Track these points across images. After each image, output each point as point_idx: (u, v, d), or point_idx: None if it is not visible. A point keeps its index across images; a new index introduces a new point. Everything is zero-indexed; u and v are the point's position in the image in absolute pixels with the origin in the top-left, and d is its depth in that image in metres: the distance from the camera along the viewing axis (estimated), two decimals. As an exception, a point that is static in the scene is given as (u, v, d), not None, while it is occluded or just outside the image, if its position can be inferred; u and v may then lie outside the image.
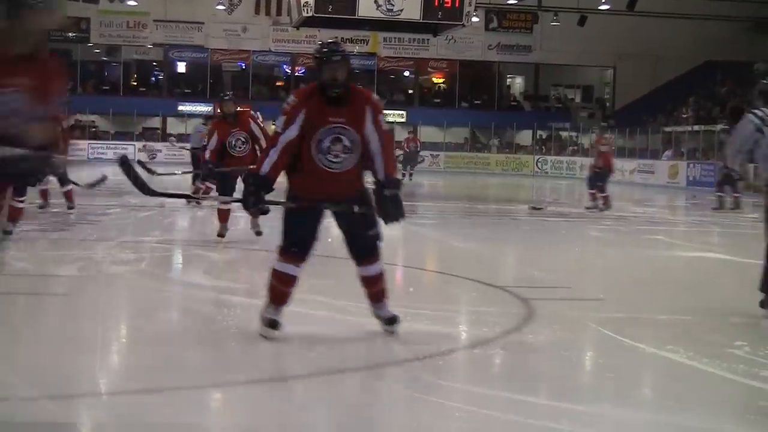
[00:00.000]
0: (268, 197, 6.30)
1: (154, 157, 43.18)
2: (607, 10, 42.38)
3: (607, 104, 54.08)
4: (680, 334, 6.83)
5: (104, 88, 50.63)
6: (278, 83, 53.22)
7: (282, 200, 6.35)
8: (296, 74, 52.14)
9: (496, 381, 5.60)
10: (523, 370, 5.79)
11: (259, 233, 12.51)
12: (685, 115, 42.51)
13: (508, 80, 55.65)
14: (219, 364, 5.92)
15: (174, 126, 49.48)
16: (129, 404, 4.92)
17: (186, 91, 51.11)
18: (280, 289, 6.38)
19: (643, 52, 48.18)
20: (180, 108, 49.49)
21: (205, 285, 8.75)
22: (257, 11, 48.79)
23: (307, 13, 22.38)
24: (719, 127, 36.75)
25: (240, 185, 9.62)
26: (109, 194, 18.70)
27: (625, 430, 4.68)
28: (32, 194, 13.34)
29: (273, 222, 14.64)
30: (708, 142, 37.27)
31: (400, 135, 39.92)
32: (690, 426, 4.73)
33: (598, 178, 19.61)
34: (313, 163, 6.22)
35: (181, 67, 52.42)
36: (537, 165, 45.69)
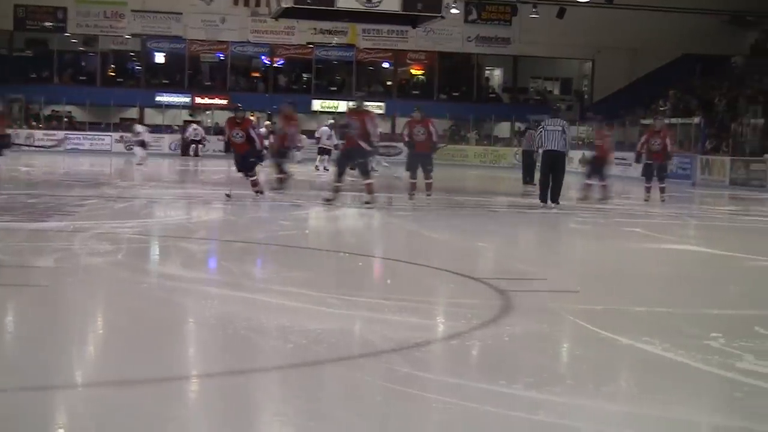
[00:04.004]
0: None
1: (131, 148, 43.05)
2: (586, 2, 42.50)
3: (586, 97, 54.21)
4: (656, 326, 6.85)
5: (81, 78, 50.47)
6: (256, 74, 53.16)
7: None
8: (274, 65, 52.10)
9: (474, 372, 5.60)
10: (501, 362, 5.80)
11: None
12: (662, 108, 42.65)
13: (487, 72, 55.71)
14: (196, 355, 5.91)
15: (152, 117, 49.36)
16: (106, 396, 4.90)
17: (164, 81, 51.01)
18: None
19: (621, 44, 48.34)
20: (158, 99, 49.40)
21: (182, 276, 8.72)
22: (236, 2, 48.76)
23: (286, 3, 22.34)
24: (696, 120, 36.93)
25: None
26: (86, 185, 18.61)
27: (601, 422, 4.69)
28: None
29: (252, 214, 14.62)
30: (685, 135, 37.42)
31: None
32: (665, 417, 4.74)
33: (594, 170, 20.75)
34: None
35: (159, 58, 52.29)
36: (515, 157, 45.73)
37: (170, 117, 50.20)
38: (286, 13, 24.42)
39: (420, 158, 19.59)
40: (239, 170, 17.70)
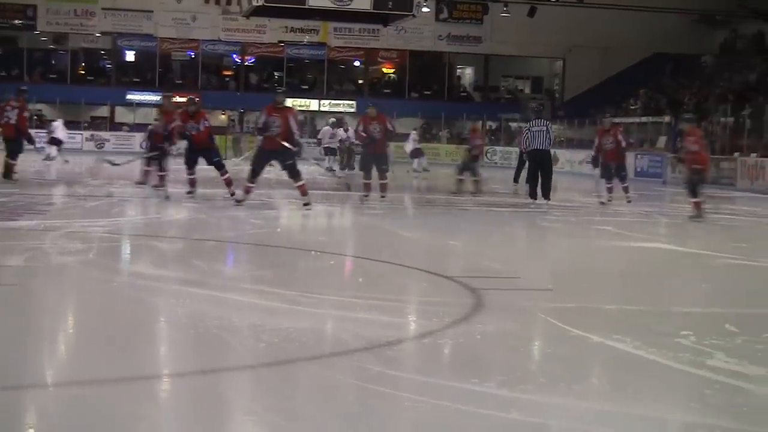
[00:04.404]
0: None
1: (102, 146, 42.90)
2: (557, 1, 42.60)
3: (557, 95, 54.36)
4: (627, 324, 6.88)
5: (51, 76, 50.16)
6: (227, 72, 53.05)
7: None
8: (246, 64, 52.00)
9: (446, 371, 5.60)
10: (472, 360, 5.80)
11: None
12: (633, 107, 42.83)
13: (458, 71, 55.78)
14: (167, 354, 5.89)
15: (123, 115, 49.16)
16: (76, 395, 4.87)
17: (135, 80, 50.80)
18: None
19: (592, 43, 48.51)
20: (129, 97, 49.21)
21: (153, 275, 8.69)
22: (207, 0, 48.59)
23: (257, 2, 22.30)
24: (666, 118, 37.08)
25: None
26: (56, 184, 18.51)
27: (573, 419, 4.70)
28: None
29: (223, 212, 14.58)
30: (656, 133, 37.58)
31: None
32: (636, 415, 4.76)
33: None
34: None
35: (130, 56, 52.10)
36: (486, 156, 45.79)
37: (141, 115, 50.00)
38: (258, 12, 24.39)
39: (375, 158, 18.66)
40: (190, 167, 16.91)
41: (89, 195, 17.37)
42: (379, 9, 22.16)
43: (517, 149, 29.22)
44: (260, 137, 16.68)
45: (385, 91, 52.58)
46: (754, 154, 29.92)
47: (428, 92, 52.80)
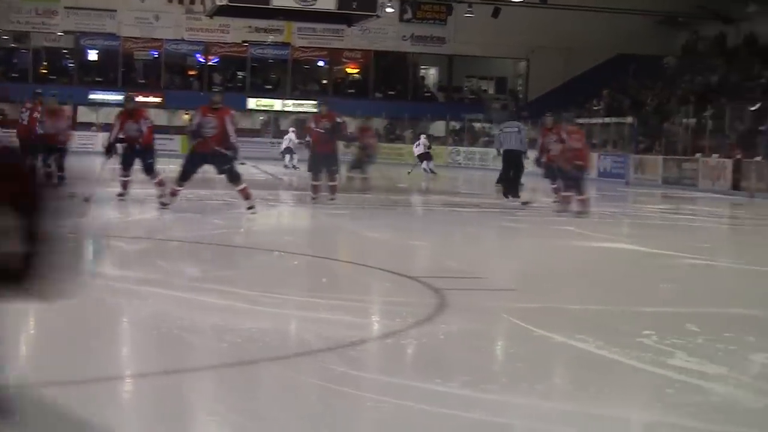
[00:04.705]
0: None
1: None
2: (521, 2, 42.75)
3: (520, 96, 54.51)
4: (590, 324, 6.90)
5: (13, 75, 49.78)
6: (191, 72, 52.85)
7: None
8: (209, 63, 51.83)
9: (409, 371, 5.60)
10: (436, 360, 5.81)
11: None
12: (596, 107, 43.03)
13: (422, 71, 55.83)
14: (129, 355, 5.86)
15: (85, 115, 48.86)
16: (38, 397, 4.84)
17: (97, 79, 50.50)
18: None
19: (555, 44, 48.68)
20: (91, 96, 48.92)
21: (115, 275, 8.65)
22: (170, -1, 48.43)
23: (221, 1, 22.25)
24: (629, 119, 37.28)
25: None
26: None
27: (536, 419, 4.72)
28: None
29: (186, 212, 14.53)
30: (619, 134, 37.78)
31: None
32: (599, 414, 4.78)
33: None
34: None
35: (93, 55, 51.78)
36: (450, 156, 45.88)
37: (104, 115, 49.73)
38: (221, 11, 24.35)
39: (323, 158, 17.81)
40: (125, 168, 16.37)
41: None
42: (343, 9, 22.18)
43: (490, 150, 29.34)
44: (193, 139, 15.32)
45: (349, 91, 52.56)
46: (716, 155, 30.14)
47: (392, 92, 52.83)
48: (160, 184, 16.00)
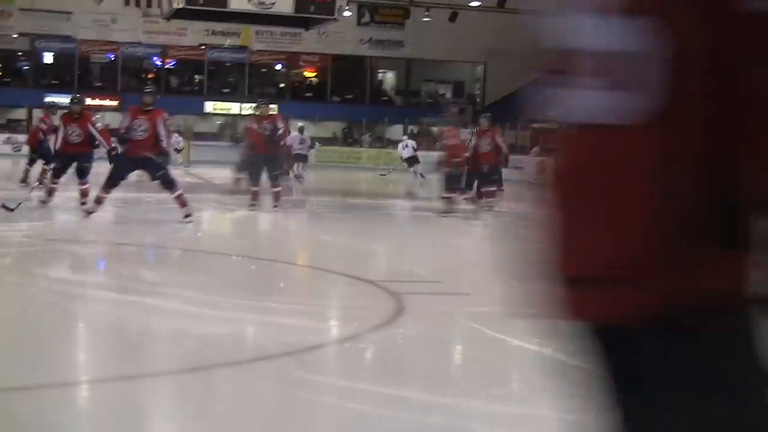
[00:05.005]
0: None
1: (19, 150, 42.22)
2: (478, 6, 42.83)
3: (478, 100, 54.66)
4: (547, 328, 6.93)
5: (-33, 78, 49.40)
6: (148, 75, 52.57)
7: None
8: (166, 66, 51.59)
9: (367, 375, 5.62)
10: (394, 364, 5.83)
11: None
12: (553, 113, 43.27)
13: (380, 75, 55.85)
14: (86, 360, 5.83)
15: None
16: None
17: (53, 82, 50.13)
18: None
19: (513, 48, 48.85)
20: (47, 99, 48.27)
21: (72, 280, 8.60)
22: (127, 2, 48.02)
23: (178, 4, 22.12)
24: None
25: None
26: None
27: (493, 423, 4.74)
28: None
29: (144, 216, 14.45)
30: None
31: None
32: (556, 418, 4.81)
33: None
34: None
35: (48, 58, 51.39)
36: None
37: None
38: (178, 14, 24.19)
39: (263, 161, 16.46)
40: (56, 175, 15.30)
41: (7, 198, 17.12)
42: (301, 13, 22.11)
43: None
44: (120, 144, 14.21)
45: (307, 94, 52.47)
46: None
47: (350, 96, 52.78)
48: (85, 193, 15.03)
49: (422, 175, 31.89)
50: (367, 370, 5.82)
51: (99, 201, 13.80)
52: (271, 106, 47.54)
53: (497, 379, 5.58)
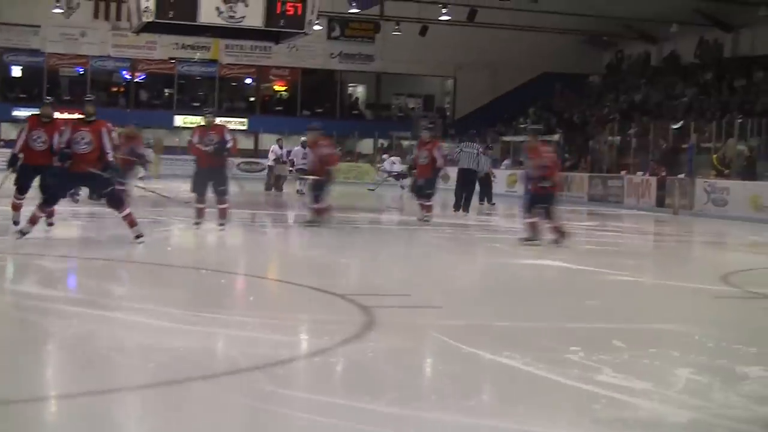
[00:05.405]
0: None
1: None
2: (448, 21, 42.92)
3: (448, 113, 54.80)
4: (518, 341, 6.94)
5: (-67, 91, 49.06)
6: (118, 89, 52.41)
7: None
8: (136, 80, 51.44)
9: (338, 389, 5.59)
10: (365, 378, 5.81)
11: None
12: (523, 125, 43.41)
13: (350, 89, 55.91)
14: (54, 376, 5.78)
15: (9, 132, 48.19)
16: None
17: (21, 95, 49.85)
18: None
19: (482, 62, 48.99)
20: (15, 113, 48.25)
21: (40, 294, 8.53)
22: (96, 15, 47.85)
23: (147, 18, 22.03)
24: (556, 136, 37.62)
25: None
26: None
27: (464, 436, 4.74)
28: None
29: (112, 231, 14.37)
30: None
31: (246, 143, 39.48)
32: (526, 430, 4.81)
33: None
34: None
35: (17, 71, 51.18)
36: (378, 173, 45.94)
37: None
38: (148, 28, 24.04)
39: (209, 175, 15.28)
40: (21, 190, 13.56)
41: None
42: (270, 27, 22.02)
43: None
44: (61, 160, 12.74)
45: (277, 108, 52.49)
46: (640, 173, 30.59)
47: (320, 110, 52.79)
48: (51, 213, 13.80)
49: (302, 191, 31.50)
50: (338, 384, 5.80)
51: (33, 221, 12.62)
52: (239, 119, 47.60)
53: (468, 392, 5.57)
